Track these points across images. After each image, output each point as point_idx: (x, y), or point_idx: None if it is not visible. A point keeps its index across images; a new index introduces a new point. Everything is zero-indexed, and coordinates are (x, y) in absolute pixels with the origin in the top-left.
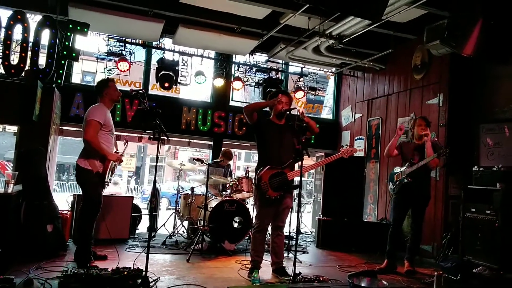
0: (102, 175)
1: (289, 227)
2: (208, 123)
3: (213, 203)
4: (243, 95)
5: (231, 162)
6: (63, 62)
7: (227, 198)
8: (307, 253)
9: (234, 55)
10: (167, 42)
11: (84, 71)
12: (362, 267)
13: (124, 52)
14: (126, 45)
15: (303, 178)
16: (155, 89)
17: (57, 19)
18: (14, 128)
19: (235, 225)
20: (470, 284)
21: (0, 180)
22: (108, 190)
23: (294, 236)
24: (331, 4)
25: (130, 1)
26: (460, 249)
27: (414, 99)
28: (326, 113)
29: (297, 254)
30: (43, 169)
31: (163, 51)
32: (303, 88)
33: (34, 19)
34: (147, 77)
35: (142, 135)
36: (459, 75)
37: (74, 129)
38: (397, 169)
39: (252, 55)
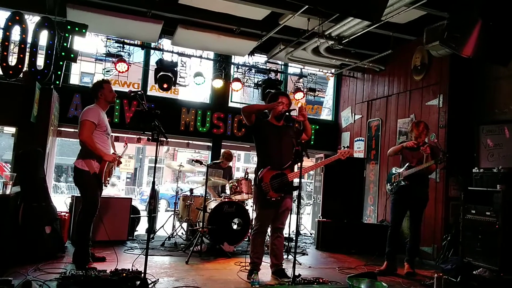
0: (99, 176)
1: (288, 229)
2: (207, 124)
3: (212, 204)
4: (242, 96)
5: (231, 164)
6: (61, 63)
7: (226, 199)
8: (307, 255)
9: (233, 56)
10: (166, 43)
11: (82, 72)
12: (362, 269)
13: (122, 53)
14: (125, 46)
15: (302, 180)
16: (153, 90)
17: (55, 20)
18: (12, 129)
19: (234, 226)
20: (470, 286)
21: None
22: (107, 192)
23: (294, 238)
24: (330, 5)
25: (128, 2)
26: (460, 250)
27: (414, 100)
28: (326, 114)
29: (297, 256)
30: (41, 170)
31: (161, 52)
32: (302, 89)
33: (32, 20)
34: (145, 78)
35: (141, 136)
36: (459, 76)
37: (72, 130)
38: (395, 170)
39: (251, 56)
